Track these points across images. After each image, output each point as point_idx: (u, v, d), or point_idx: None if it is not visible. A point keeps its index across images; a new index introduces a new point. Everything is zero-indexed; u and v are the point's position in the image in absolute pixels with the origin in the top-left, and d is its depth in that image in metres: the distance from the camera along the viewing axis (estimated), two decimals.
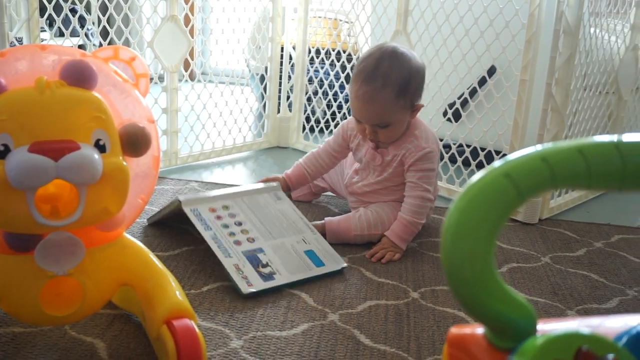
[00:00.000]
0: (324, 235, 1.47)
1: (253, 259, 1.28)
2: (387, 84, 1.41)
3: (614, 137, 0.48)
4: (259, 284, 1.23)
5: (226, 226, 1.34)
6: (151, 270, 0.99)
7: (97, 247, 0.94)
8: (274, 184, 1.50)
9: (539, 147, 0.48)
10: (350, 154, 1.64)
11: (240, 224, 1.36)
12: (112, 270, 0.96)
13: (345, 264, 1.35)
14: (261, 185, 1.49)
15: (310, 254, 1.34)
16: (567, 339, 0.43)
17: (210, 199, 1.39)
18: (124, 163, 0.91)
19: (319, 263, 1.33)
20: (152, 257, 1.01)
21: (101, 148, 0.88)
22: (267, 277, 1.25)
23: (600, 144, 0.47)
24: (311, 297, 1.22)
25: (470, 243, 0.45)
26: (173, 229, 1.49)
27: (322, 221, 1.51)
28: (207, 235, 1.30)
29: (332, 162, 1.65)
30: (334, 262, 1.35)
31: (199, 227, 1.31)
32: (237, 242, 1.31)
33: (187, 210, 1.34)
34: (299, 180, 1.67)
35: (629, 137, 0.48)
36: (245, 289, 1.21)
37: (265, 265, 1.28)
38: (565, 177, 0.46)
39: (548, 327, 0.48)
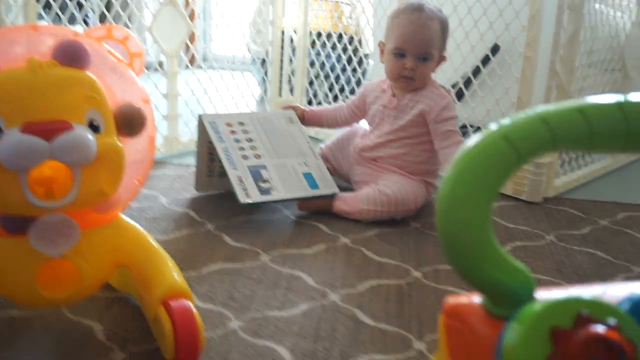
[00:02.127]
0: (330, 208, 1.50)
1: (256, 173, 1.42)
2: (434, 17, 1.50)
3: (616, 97, 0.46)
4: (256, 196, 1.39)
5: (237, 141, 1.48)
6: (147, 251, 0.97)
7: (92, 228, 0.93)
8: (290, 110, 1.65)
9: (537, 108, 0.46)
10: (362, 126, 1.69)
11: (251, 140, 1.50)
12: (108, 251, 0.94)
13: (337, 190, 1.48)
14: (278, 110, 1.66)
15: (308, 176, 1.46)
16: (567, 304, 0.41)
17: (228, 115, 1.54)
18: (119, 143, 0.89)
19: (314, 185, 1.46)
20: (149, 238, 1.00)
21: (95, 128, 0.86)
22: (265, 191, 1.40)
23: (602, 104, 0.45)
24: (311, 277, 1.20)
25: (467, 208, 0.43)
26: (173, 212, 1.48)
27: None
28: (219, 147, 1.45)
29: (350, 117, 1.70)
30: (328, 187, 1.48)
31: (213, 138, 1.46)
32: (245, 157, 1.45)
33: (205, 122, 1.48)
34: (314, 118, 1.73)
35: (632, 97, 0.46)
36: (244, 198, 1.36)
37: (265, 181, 1.42)
38: (566, 138, 0.44)
39: (546, 295, 0.46)
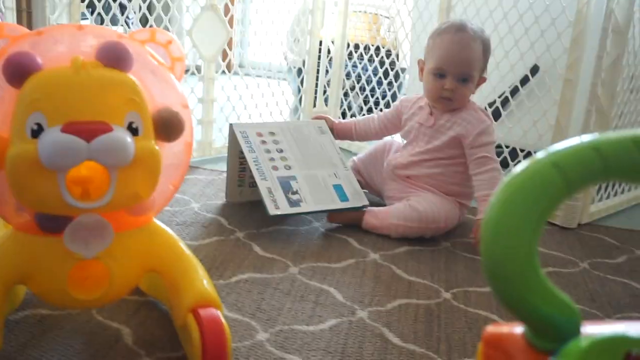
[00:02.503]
0: (360, 222, 1.50)
1: (285, 184, 1.42)
2: (477, 37, 1.49)
3: None
4: (285, 208, 1.39)
5: (268, 151, 1.49)
6: (179, 257, 0.97)
7: (125, 231, 0.93)
8: (321, 121, 1.65)
9: (587, 137, 0.44)
10: (398, 139, 1.69)
11: (281, 150, 1.51)
12: (140, 255, 0.95)
13: (367, 202, 1.48)
14: (309, 120, 1.66)
15: (337, 188, 1.46)
16: (615, 342, 0.40)
17: (259, 124, 1.55)
18: (156, 147, 0.90)
19: (343, 198, 1.46)
20: (181, 244, 1.00)
21: (134, 131, 0.87)
22: (294, 203, 1.41)
23: None
24: (340, 293, 1.19)
25: (513, 237, 0.42)
26: (203, 217, 1.48)
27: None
28: (249, 157, 1.46)
29: (381, 130, 1.69)
30: (358, 199, 1.48)
31: (244, 148, 1.47)
32: (275, 167, 1.46)
33: (236, 131, 1.50)
34: (344, 131, 1.72)
35: None
36: (273, 210, 1.37)
37: (294, 192, 1.42)
38: (619, 168, 0.42)
39: (592, 330, 0.45)
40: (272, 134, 1.54)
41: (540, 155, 0.44)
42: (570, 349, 0.41)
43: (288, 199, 1.41)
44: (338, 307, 1.14)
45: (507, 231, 0.42)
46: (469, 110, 1.52)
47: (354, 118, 1.77)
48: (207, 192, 1.67)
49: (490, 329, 0.49)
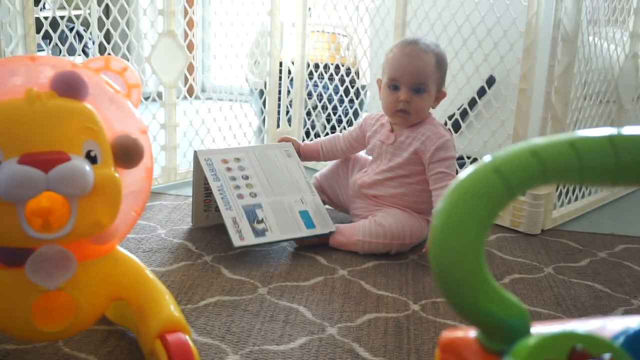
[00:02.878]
0: (327, 240, 1.51)
1: (250, 213, 1.42)
2: (429, 50, 1.51)
3: (607, 131, 0.46)
4: (250, 239, 1.39)
5: (233, 178, 1.48)
6: (145, 284, 0.97)
7: (89, 260, 0.93)
8: (288, 143, 1.65)
9: (530, 141, 0.46)
10: (362, 155, 1.70)
11: (247, 177, 1.50)
12: (105, 284, 0.94)
13: (334, 229, 1.47)
14: (275, 143, 1.65)
15: (304, 214, 1.45)
16: (561, 339, 0.41)
17: (224, 150, 1.54)
18: (116, 174, 0.90)
19: (309, 224, 1.45)
20: (146, 270, 1.00)
21: (92, 159, 0.87)
22: (259, 233, 1.40)
23: (593, 138, 0.46)
24: (309, 311, 1.20)
25: (460, 241, 0.43)
26: (170, 243, 1.48)
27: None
28: (214, 186, 1.45)
29: (347, 149, 1.70)
30: (325, 226, 1.46)
31: (208, 176, 1.45)
32: (240, 196, 1.45)
33: (201, 159, 1.48)
34: (310, 152, 1.73)
35: (622, 131, 0.46)
36: (237, 241, 1.37)
37: (260, 222, 1.41)
38: (557, 171, 0.44)
39: (541, 329, 0.46)
40: (238, 159, 1.53)
41: (483, 160, 0.46)
42: (519, 348, 0.42)
43: (253, 229, 1.41)
44: (308, 325, 1.14)
45: (453, 236, 0.43)
46: (428, 125, 1.53)
47: (319, 138, 1.75)
48: (173, 218, 1.67)
49: (446, 334, 0.50)
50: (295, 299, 1.24)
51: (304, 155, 1.72)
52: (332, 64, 2.21)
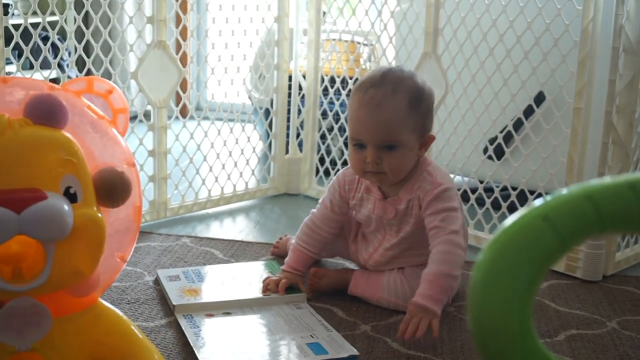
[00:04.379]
0: (346, 286, 1.51)
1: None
2: (399, 90, 1.41)
3: None
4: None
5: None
6: (131, 343, 0.98)
7: (67, 316, 0.94)
8: (299, 294, 1.50)
9: (579, 185, 0.48)
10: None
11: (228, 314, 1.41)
12: (85, 343, 0.96)
13: (356, 353, 1.28)
14: (283, 296, 1.49)
15: (313, 345, 1.30)
16: None
17: (211, 305, 1.44)
18: (99, 215, 0.92)
19: (320, 351, 1.28)
20: (133, 327, 1.01)
21: (72, 197, 0.89)
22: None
23: None
24: None
25: (504, 301, 0.44)
26: (160, 293, 1.49)
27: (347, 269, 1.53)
28: (189, 332, 1.32)
29: (335, 229, 1.58)
30: (341, 349, 1.29)
31: (190, 338, 1.30)
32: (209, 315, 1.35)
33: (179, 317, 1.39)
34: (305, 264, 1.57)
35: None
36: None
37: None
38: (616, 219, 0.46)
39: None
40: (227, 314, 1.43)
41: (531, 206, 0.48)
42: None
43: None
44: None
45: (495, 296, 0.44)
46: (424, 174, 1.47)
47: (293, 241, 1.60)
48: (163, 262, 1.68)
49: None
50: None
51: (304, 272, 1.57)
52: (351, 78, 2.24)
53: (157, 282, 1.56)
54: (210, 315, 1.40)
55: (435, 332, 1.31)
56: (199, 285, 1.53)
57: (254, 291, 1.51)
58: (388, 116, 1.39)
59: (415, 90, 1.43)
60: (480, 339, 0.45)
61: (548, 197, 0.47)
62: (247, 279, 1.58)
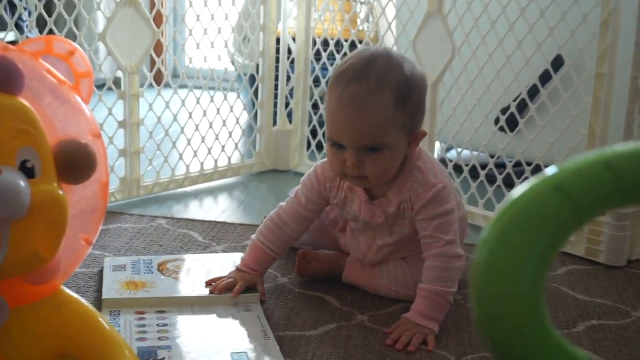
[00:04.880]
0: (338, 272, 1.51)
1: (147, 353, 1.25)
2: (384, 85, 1.34)
3: None
4: None
5: (142, 327, 1.33)
6: (98, 335, 0.98)
7: (25, 305, 0.94)
8: (253, 294, 1.45)
9: (602, 150, 0.47)
10: None
11: (165, 325, 1.34)
12: (46, 336, 0.95)
13: None
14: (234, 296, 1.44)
15: (238, 356, 1.25)
16: None
17: (143, 300, 1.41)
18: (60, 192, 0.91)
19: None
20: (100, 318, 1.01)
21: (29, 172, 0.88)
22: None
23: None
24: None
25: (510, 281, 0.44)
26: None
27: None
28: None
29: (305, 227, 1.53)
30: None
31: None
32: (142, 339, 1.29)
33: (105, 312, 1.36)
34: (265, 265, 1.51)
35: None
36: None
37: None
38: (639, 189, 0.45)
39: None
40: (162, 311, 1.40)
41: (543, 175, 0.47)
42: None
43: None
44: None
45: (502, 276, 0.44)
46: (411, 171, 1.43)
47: (253, 237, 1.52)
48: (135, 245, 1.68)
49: None
50: (298, 354, 1.25)
51: (262, 273, 1.51)
52: (346, 41, 2.22)
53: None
54: (141, 313, 1.37)
55: (430, 346, 1.31)
56: (143, 278, 1.49)
57: (201, 288, 1.47)
58: (371, 118, 1.33)
59: (403, 84, 1.36)
60: (485, 326, 0.45)
61: (563, 165, 0.47)
62: (204, 272, 1.54)
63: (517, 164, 1.90)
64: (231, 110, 2.25)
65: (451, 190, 1.44)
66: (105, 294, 1.41)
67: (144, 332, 1.31)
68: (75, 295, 1.01)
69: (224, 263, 1.59)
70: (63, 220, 0.91)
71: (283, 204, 1.53)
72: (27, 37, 2.02)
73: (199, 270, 1.55)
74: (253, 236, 1.53)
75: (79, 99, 1.02)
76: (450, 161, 2.04)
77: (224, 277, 1.48)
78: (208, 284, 1.47)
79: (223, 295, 1.43)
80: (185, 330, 1.33)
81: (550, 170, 0.46)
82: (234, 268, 1.50)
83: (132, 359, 0.97)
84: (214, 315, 1.40)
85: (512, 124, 1.92)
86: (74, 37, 1.79)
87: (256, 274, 1.48)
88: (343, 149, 1.36)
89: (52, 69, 1.00)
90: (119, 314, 1.36)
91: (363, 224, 1.48)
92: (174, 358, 1.23)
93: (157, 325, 1.34)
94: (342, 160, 1.36)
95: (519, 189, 0.46)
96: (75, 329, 0.98)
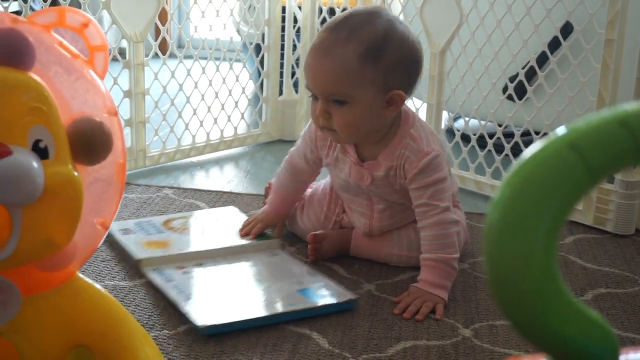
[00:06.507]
0: (347, 247, 1.52)
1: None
2: (354, 37, 1.35)
3: None
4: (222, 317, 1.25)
5: (187, 273, 1.41)
6: (115, 324, 0.95)
7: (38, 294, 0.91)
8: (272, 240, 1.56)
9: (617, 108, 0.47)
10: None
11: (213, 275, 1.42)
12: (61, 326, 0.91)
13: (353, 296, 1.33)
14: (254, 242, 1.54)
15: (304, 291, 1.34)
16: None
17: (179, 256, 1.46)
18: (75, 173, 0.88)
19: (313, 297, 1.33)
20: (114, 305, 0.97)
21: (42, 153, 0.84)
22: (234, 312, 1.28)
23: None
24: (325, 338, 1.22)
25: (524, 242, 0.44)
26: None
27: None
28: (166, 287, 1.34)
29: (314, 177, 1.63)
30: (337, 295, 1.34)
31: (170, 293, 1.31)
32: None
33: (148, 272, 1.40)
34: (289, 206, 1.62)
35: None
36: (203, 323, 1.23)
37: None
38: None
39: (633, 358, 0.47)
40: (200, 265, 1.45)
41: (556, 134, 0.47)
42: None
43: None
44: (323, 357, 1.16)
45: (515, 236, 0.44)
46: (404, 138, 1.43)
47: (275, 190, 1.63)
48: (142, 216, 1.69)
49: None
50: (306, 322, 1.26)
51: (284, 216, 1.63)
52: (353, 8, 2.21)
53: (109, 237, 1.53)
54: (181, 268, 1.42)
55: (438, 314, 1.32)
56: (159, 237, 1.54)
57: (222, 240, 1.55)
58: (332, 66, 1.35)
59: (375, 40, 1.36)
60: (498, 288, 0.45)
61: (577, 124, 0.46)
62: (212, 224, 1.63)
63: (526, 133, 1.90)
64: (237, 80, 2.24)
65: (444, 159, 1.45)
66: (138, 255, 1.44)
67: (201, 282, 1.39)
68: (92, 282, 0.98)
69: (220, 215, 1.69)
70: (78, 204, 0.88)
71: (293, 149, 1.61)
72: (31, 7, 2.01)
73: (206, 224, 1.63)
74: (274, 184, 1.66)
75: (93, 74, 0.98)
76: (458, 130, 2.04)
77: (249, 219, 1.62)
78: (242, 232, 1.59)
79: (246, 244, 1.54)
80: (237, 278, 1.42)
81: (563, 129, 0.46)
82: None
83: (149, 347, 0.96)
84: (250, 262, 1.48)
85: (520, 92, 1.91)
86: (78, 5, 1.78)
87: (273, 214, 1.60)
88: (317, 99, 1.39)
89: (65, 43, 0.97)
90: (163, 271, 1.40)
91: (354, 189, 1.50)
92: (242, 301, 1.31)
93: (205, 276, 1.41)
94: (315, 109, 1.40)
95: (532, 148, 0.46)
96: (91, 318, 0.94)
